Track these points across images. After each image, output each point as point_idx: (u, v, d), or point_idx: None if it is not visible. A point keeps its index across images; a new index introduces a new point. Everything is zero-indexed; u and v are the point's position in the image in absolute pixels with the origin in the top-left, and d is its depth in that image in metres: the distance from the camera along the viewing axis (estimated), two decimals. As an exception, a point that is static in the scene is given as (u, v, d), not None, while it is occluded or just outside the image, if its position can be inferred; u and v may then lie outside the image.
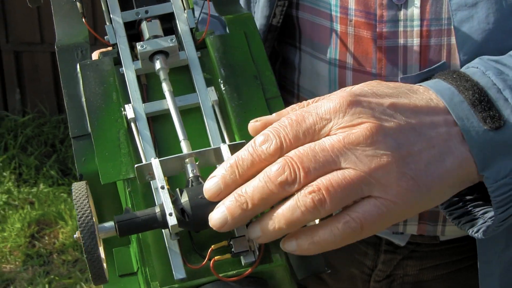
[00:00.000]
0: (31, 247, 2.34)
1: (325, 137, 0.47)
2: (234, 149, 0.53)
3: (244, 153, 0.48)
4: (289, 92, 0.76)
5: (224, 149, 0.53)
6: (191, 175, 0.53)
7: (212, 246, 0.52)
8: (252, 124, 0.52)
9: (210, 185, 0.49)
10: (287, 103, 0.57)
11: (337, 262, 0.82)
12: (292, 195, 0.46)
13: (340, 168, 0.46)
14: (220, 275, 0.51)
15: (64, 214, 2.42)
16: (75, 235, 0.50)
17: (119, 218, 0.51)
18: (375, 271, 0.79)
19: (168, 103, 0.58)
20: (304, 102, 0.51)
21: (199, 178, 0.52)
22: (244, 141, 0.53)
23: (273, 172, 0.46)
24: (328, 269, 0.57)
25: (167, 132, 0.58)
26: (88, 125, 0.57)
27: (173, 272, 0.52)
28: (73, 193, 0.50)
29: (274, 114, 0.52)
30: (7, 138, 2.75)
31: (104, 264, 0.51)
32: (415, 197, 0.47)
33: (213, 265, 0.51)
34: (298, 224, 0.46)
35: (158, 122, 0.59)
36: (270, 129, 0.48)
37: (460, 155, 0.49)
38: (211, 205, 0.50)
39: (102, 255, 0.52)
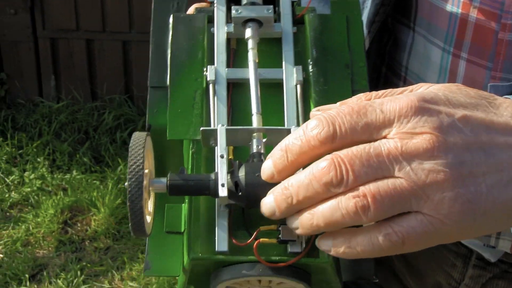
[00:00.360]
0: (63, 233, 2.37)
1: (382, 139, 0.43)
2: None
3: (294, 137, 0.45)
4: (396, 74, 0.73)
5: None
6: (254, 150, 0.51)
7: (261, 227, 0.50)
8: (313, 113, 0.49)
9: (265, 167, 0.47)
10: (393, 85, 0.54)
11: (424, 268, 0.78)
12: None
13: (392, 177, 0.42)
14: (262, 258, 0.50)
15: (96, 201, 2.43)
16: (125, 184, 0.49)
17: (172, 177, 0.50)
18: (461, 285, 0.75)
19: (250, 73, 0.56)
20: (373, 93, 0.48)
21: (262, 156, 0.51)
22: None
23: (319, 170, 0.43)
24: (376, 278, 0.56)
25: (245, 102, 0.57)
26: (168, 78, 0.57)
27: (216, 244, 0.51)
28: (131, 141, 0.50)
29: (338, 103, 0.49)
30: (42, 124, 2.77)
31: (149, 218, 0.51)
32: (468, 221, 0.43)
33: (256, 246, 0.50)
34: (337, 226, 0.44)
35: (238, 89, 0.58)
36: (326, 114, 0.44)
37: None
38: (267, 185, 0.48)
39: (150, 208, 0.51)
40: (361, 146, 0.43)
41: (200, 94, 0.56)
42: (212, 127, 0.53)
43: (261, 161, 0.50)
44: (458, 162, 0.43)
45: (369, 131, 0.43)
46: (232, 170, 0.50)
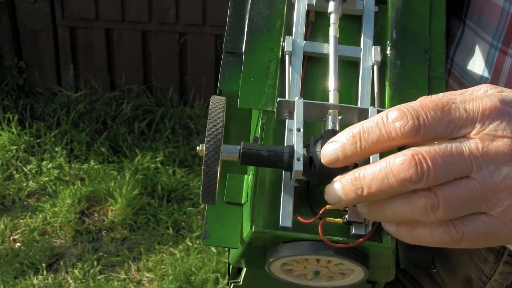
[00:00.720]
0: (80, 223, 2.36)
1: (461, 138, 0.42)
2: None
3: (371, 125, 0.43)
4: None
5: (372, 112, 0.50)
6: (330, 126, 0.50)
7: (327, 206, 0.49)
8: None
9: (327, 151, 0.45)
10: None
11: (457, 261, 0.78)
12: None
13: (467, 177, 0.42)
14: (326, 237, 0.49)
15: (114, 192, 2.42)
16: (197, 148, 0.48)
17: (246, 146, 0.49)
18: (491, 281, 0.75)
19: (330, 48, 0.55)
20: (448, 93, 0.46)
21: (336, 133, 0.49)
22: None
23: (397, 165, 0.42)
24: (434, 268, 0.54)
25: (318, 77, 0.56)
26: (244, 44, 0.56)
27: (280, 218, 0.50)
28: (210, 104, 0.49)
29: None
30: (60, 113, 2.77)
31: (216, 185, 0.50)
32: None
33: (321, 225, 0.49)
34: (404, 218, 0.44)
35: (312, 63, 0.57)
36: (407, 106, 0.43)
37: None
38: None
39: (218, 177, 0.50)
40: (443, 145, 0.42)
41: (275, 64, 0.55)
42: (287, 99, 0.52)
43: None
44: None
45: (451, 129, 0.43)
46: (307, 145, 0.49)
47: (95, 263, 2.20)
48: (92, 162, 2.58)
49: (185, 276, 2.16)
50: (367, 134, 0.43)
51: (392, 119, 0.43)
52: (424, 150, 0.42)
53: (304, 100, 0.50)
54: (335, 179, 0.46)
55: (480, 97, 0.44)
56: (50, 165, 2.57)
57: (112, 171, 2.54)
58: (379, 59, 0.56)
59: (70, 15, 2.78)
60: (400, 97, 0.54)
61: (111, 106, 2.80)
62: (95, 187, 2.46)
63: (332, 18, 0.56)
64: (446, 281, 0.79)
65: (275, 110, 0.52)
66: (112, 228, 2.35)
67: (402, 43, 0.56)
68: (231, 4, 0.58)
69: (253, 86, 0.54)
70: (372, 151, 0.44)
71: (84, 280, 2.14)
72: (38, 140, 2.68)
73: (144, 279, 2.17)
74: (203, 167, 0.47)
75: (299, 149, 0.48)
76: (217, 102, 0.49)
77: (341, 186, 0.44)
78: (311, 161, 0.48)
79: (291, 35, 0.56)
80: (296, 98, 0.51)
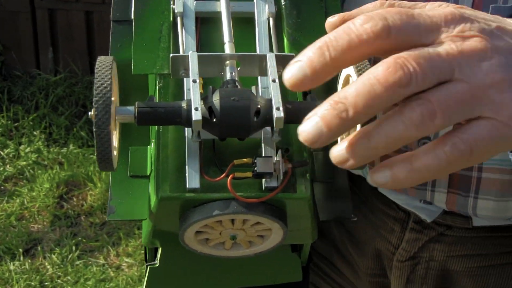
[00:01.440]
0: (59, 208, 2.32)
1: (434, 44, 0.40)
2: (281, 60, 0.48)
3: (338, 33, 0.39)
4: None
5: (270, 58, 0.48)
6: (228, 77, 0.47)
7: (235, 161, 0.47)
8: (330, 20, 0.45)
9: (291, 69, 0.39)
10: None
11: (363, 237, 0.77)
12: (394, 106, 0.39)
13: (452, 80, 0.39)
14: (237, 194, 0.46)
15: (93, 176, 2.39)
16: (89, 113, 0.45)
17: (141, 104, 0.46)
18: (399, 250, 0.74)
19: (221, 4, 0.53)
20: (403, 3, 0.44)
21: (236, 82, 0.47)
22: (293, 54, 0.47)
23: (381, 71, 0.38)
24: (354, 217, 0.52)
25: (214, 38, 0.54)
26: (132, 11, 0.54)
27: (186, 180, 0.47)
28: (97, 63, 0.45)
29: (354, 10, 0.45)
30: (39, 97, 2.72)
31: (115, 152, 0.46)
32: None
33: (230, 182, 0.46)
34: (398, 143, 0.39)
35: (206, 24, 0.55)
36: (371, 12, 0.40)
37: None
38: (243, 109, 0.44)
39: (115, 142, 0.47)
40: (419, 48, 0.39)
41: (167, 27, 0.53)
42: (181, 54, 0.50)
43: (236, 87, 0.47)
44: (509, 64, 0.41)
45: (419, 33, 0.40)
46: (205, 96, 0.46)
47: (74, 248, 2.16)
48: (71, 146, 2.53)
49: (165, 261, 2.14)
50: (335, 42, 0.39)
51: (359, 23, 0.39)
52: (405, 53, 0.39)
53: (198, 53, 0.48)
54: (308, 115, 0.39)
55: (437, 7, 0.43)
56: (28, 149, 2.52)
57: (91, 155, 2.50)
58: (273, 10, 0.54)
59: (48, -4, 2.73)
60: (298, 47, 0.52)
61: (90, 89, 2.75)
62: (74, 172, 2.42)
63: None
64: (356, 258, 0.79)
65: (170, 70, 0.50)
66: (91, 213, 2.31)
67: None
68: None
69: (146, 51, 0.52)
70: (344, 62, 0.39)
71: (62, 266, 2.11)
72: (16, 124, 2.63)
73: (124, 264, 2.14)
74: (94, 129, 0.44)
75: (196, 99, 0.45)
76: (103, 62, 0.46)
77: (320, 117, 0.38)
78: (210, 111, 0.45)
79: None
80: (190, 52, 0.48)
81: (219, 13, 0.54)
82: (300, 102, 0.49)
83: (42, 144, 2.55)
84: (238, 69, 0.49)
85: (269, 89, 0.47)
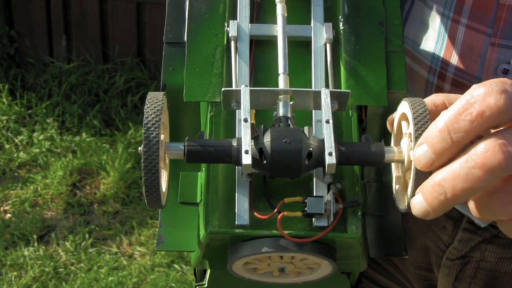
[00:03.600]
0: (72, 196, 2.34)
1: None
2: (336, 96, 0.47)
3: (456, 111, 0.40)
4: None
5: (324, 95, 0.47)
6: (281, 114, 0.47)
7: (285, 199, 0.47)
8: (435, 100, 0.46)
9: (419, 155, 0.42)
10: None
11: (413, 231, 0.77)
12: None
13: None
14: (285, 232, 0.46)
15: (106, 165, 2.40)
16: (139, 148, 0.44)
17: (190, 142, 0.46)
18: (450, 248, 0.75)
19: (278, 29, 0.51)
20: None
21: (289, 120, 0.46)
22: (349, 91, 0.47)
23: (480, 154, 0.39)
24: (406, 255, 0.52)
25: (269, 61, 0.53)
26: (185, 33, 0.52)
27: (236, 216, 0.47)
28: (146, 101, 0.45)
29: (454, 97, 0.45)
30: (52, 84, 2.73)
31: (164, 187, 0.46)
32: None
33: (280, 220, 0.46)
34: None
35: (261, 47, 0.53)
36: (485, 82, 0.40)
37: None
38: (294, 152, 0.44)
39: (165, 177, 0.47)
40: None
41: (220, 52, 0.51)
42: (233, 87, 0.49)
43: (288, 125, 0.46)
44: None
45: None
46: (256, 136, 0.46)
47: (87, 236, 2.18)
48: (84, 135, 2.55)
49: (178, 251, 2.15)
50: (456, 124, 0.40)
51: (481, 96, 0.39)
52: (502, 136, 0.39)
53: (251, 88, 0.47)
54: (416, 191, 0.42)
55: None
56: (41, 137, 2.53)
57: (104, 144, 2.51)
58: (331, 36, 0.52)
59: (63, -16, 2.73)
60: (356, 76, 0.51)
61: (103, 78, 2.76)
62: (87, 160, 2.43)
63: None
64: None
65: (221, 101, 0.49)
66: (104, 201, 2.33)
67: (355, 17, 0.53)
68: None
69: (198, 77, 0.51)
70: (466, 140, 0.40)
71: (75, 253, 2.13)
72: (29, 111, 2.65)
73: (136, 253, 2.16)
74: (143, 173, 0.44)
75: (246, 141, 0.44)
76: (153, 101, 0.45)
77: (422, 197, 0.41)
78: (261, 152, 0.45)
79: (236, 19, 0.53)
80: (242, 86, 0.47)
81: (275, 37, 0.52)
82: (354, 143, 0.47)
83: (55, 132, 2.56)
84: (291, 102, 0.48)
85: (322, 130, 0.47)
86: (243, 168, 0.45)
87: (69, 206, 2.30)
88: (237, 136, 0.48)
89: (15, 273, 2.05)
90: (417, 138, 0.43)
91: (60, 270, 2.08)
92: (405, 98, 0.47)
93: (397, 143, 0.49)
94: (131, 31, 2.79)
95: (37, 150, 2.48)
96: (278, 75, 0.50)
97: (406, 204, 0.45)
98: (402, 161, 0.47)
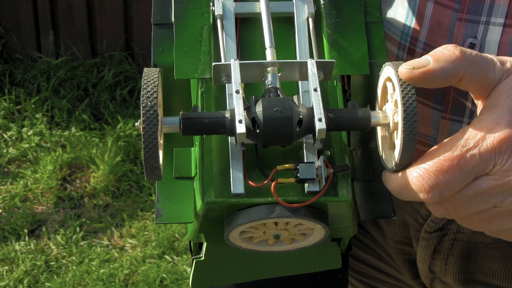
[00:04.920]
0: (62, 190, 2.34)
1: (484, 176, 0.46)
2: (321, 66, 0.49)
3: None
4: None
5: (311, 65, 0.49)
6: (270, 85, 0.49)
7: (277, 166, 0.49)
8: (409, 72, 0.48)
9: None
10: None
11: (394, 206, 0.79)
12: None
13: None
14: (280, 198, 0.48)
15: (96, 158, 2.41)
16: (136, 123, 0.46)
17: (186, 115, 0.47)
18: (427, 221, 0.76)
19: (261, 5, 0.53)
20: (460, 135, 0.48)
21: (278, 91, 0.48)
22: (333, 60, 0.49)
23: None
24: (394, 216, 0.54)
25: (254, 38, 0.55)
26: (172, 14, 0.54)
27: (231, 186, 0.48)
28: (143, 77, 0.47)
29: (432, 63, 0.48)
30: (40, 80, 2.73)
31: (160, 160, 0.48)
32: None
33: (274, 187, 0.48)
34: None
35: (245, 24, 0.55)
36: (424, 178, 0.47)
37: None
38: (286, 119, 0.46)
39: (160, 151, 0.48)
40: (463, 193, 0.47)
41: (207, 30, 0.53)
42: (222, 62, 0.50)
43: (279, 96, 0.48)
44: None
45: (473, 175, 0.47)
46: (248, 107, 0.47)
47: (78, 229, 2.19)
48: (73, 129, 2.55)
49: (169, 242, 2.16)
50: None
51: (423, 192, 0.47)
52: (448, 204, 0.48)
53: (240, 62, 0.49)
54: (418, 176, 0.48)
55: (494, 127, 0.46)
56: (30, 132, 2.54)
57: (94, 138, 2.51)
58: (313, 11, 0.54)
59: (49, -21, 2.72)
60: (338, 47, 0.53)
61: (92, 72, 2.77)
62: (76, 154, 2.43)
63: None
64: (384, 225, 0.81)
65: (212, 76, 0.50)
66: (94, 194, 2.33)
67: None
68: None
69: (187, 55, 0.53)
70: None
71: (66, 246, 2.14)
72: (18, 107, 2.65)
73: (127, 245, 2.16)
74: (143, 145, 0.45)
75: (239, 111, 0.46)
76: (150, 74, 0.47)
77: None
78: (254, 122, 0.47)
79: None
80: (232, 60, 0.49)
81: (259, 14, 0.54)
82: (341, 110, 0.50)
83: (45, 127, 2.56)
84: (279, 74, 0.50)
85: (310, 97, 0.49)
86: (237, 137, 0.46)
87: (59, 200, 2.30)
88: (229, 108, 0.50)
89: (6, 267, 2.06)
90: (403, 99, 0.46)
91: (51, 263, 2.09)
92: (388, 62, 0.49)
93: (383, 106, 0.51)
94: (118, 25, 2.79)
95: (27, 145, 2.48)
96: (264, 50, 0.52)
97: (394, 164, 0.48)
98: (387, 125, 0.49)
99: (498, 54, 0.59)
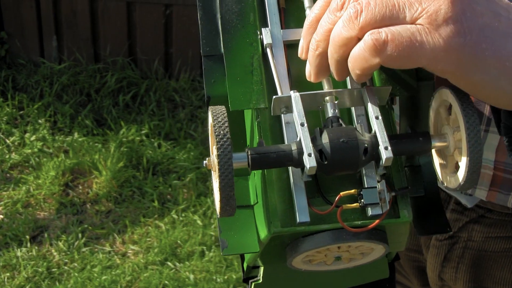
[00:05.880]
0: (64, 196, 2.34)
1: None
2: (378, 93, 0.50)
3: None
4: None
5: (369, 92, 0.50)
6: (331, 114, 0.50)
7: (341, 193, 0.50)
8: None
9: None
10: None
11: None
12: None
13: None
14: (345, 223, 0.49)
15: (98, 164, 2.40)
16: (204, 162, 0.48)
17: (253, 151, 0.48)
18: None
19: None
20: None
21: (339, 119, 0.50)
22: (390, 87, 0.51)
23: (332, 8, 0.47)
24: (450, 230, 0.55)
25: (302, 62, 0.55)
26: (221, 45, 0.54)
27: (296, 214, 0.49)
28: (212, 116, 0.48)
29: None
30: (43, 85, 2.72)
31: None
32: (458, 49, 0.44)
33: (340, 213, 0.49)
34: (334, 40, 0.48)
35: (291, 50, 0.56)
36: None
37: None
38: (352, 149, 0.47)
39: None
40: None
41: (258, 59, 0.54)
42: (280, 94, 0.51)
43: (341, 125, 0.49)
44: None
45: None
46: (313, 137, 0.49)
47: (80, 235, 2.18)
48: (76, 135, 2.55)
49: (171, 248, 2.15)
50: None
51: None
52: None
53: (301, 93, 0.50)
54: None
55: None
56: (33, 137, 2.53)
57: (96, 144, 2.51)
58: None
59: (53, -16, 2.72)
60: (387, 69, 0.54)
61: (95, 78, 2.76)
62: (79, 160, 2.43)
63: (306, 2, 0.55)
64: None
65: (268, 106, 0.51)
66: (96, 200, 2.33)
67: None
68: (199, 5, 0.56)
69: (240, 86, 0.53)
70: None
71: (68, 252, 2.13)
72: (21, 112, 2.64)
73: (129, 251, 2.16)
74: (218, 180, 0.46)
75: (307, 144, 0.47)
76: (219, 113, 0.48)
77: (308, 62, 0.51)
78: (321, 153, 0.48)
79: (267, 26, 0.55)
80: (292, 93, 0.50)
81: None
82: (402, 135, 0.51)
83: (47, 132, 2.56)
84: (336, 102, 0.51)
85: (372, 126, 0.50)
86: (308, 170, 0.48)
87: (61, 206, 2.30)
88: (286, 138, 0.51)
89: (8, 274, 2.05)
90: (467, 122, 0.47)
91: (53, 270, 2.08)
92: (443, 86, 0.51)
93: (436, 128, 0.53)
94: (122, 30, 2.78)
95: (29, 150, 2.48)
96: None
97: (458, 184, 0.49)
98: (447, 147, 0.51)
99: None
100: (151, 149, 2.48)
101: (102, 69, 2.79)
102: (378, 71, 0.54)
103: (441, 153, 0.53)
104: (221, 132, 0.47)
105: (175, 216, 2.25)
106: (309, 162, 0.47)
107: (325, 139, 0.48)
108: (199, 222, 2.23)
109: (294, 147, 0.48)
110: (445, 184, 0.52)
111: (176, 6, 2.72)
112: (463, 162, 0.49)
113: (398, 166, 0.52)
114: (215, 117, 0.47)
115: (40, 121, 2.60)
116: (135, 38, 2.81)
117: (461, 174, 0.49)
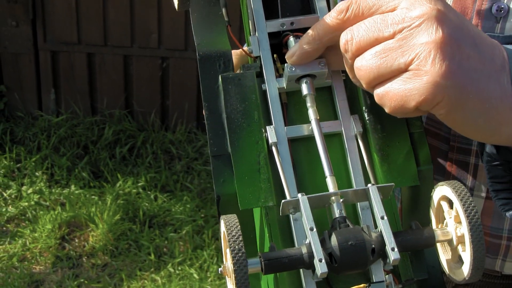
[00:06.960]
0: (61, 249, 2.33)
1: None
2: (382, 191, 0.52)
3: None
4: None
5: (374, 191, 0.52)
6: (337, 215, 0.52)
7: (362, 285, 0.52)
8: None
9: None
10: None
11: None
12: None
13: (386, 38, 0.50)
14: None
15: (95, 217, 2.40)
16: (219, 269, 0.49)
17: (266, 257, 0.50)
18: None
19: (314, 132, 0.56)
20: None
21: (346, 220, 0.51)
22: (392, 184, 0.52)
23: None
24: None
25: (306, 156, 0.57)
26: (228, 144, 0.56)
27: None
28: (225, 224, 0.49)
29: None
30: (41, 138, 2.75)
31: None
32: (444, 91, 0.47)
33: None
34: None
35: (296, 144, 0.58)
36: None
37: (505, 91, 0.49)
38: (360, 251, 0.49)
39: None
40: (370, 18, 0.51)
41: (264, 158, 0.56)
42: (288, 196, 0.54)
43: (348, 226, 0.51)
44: (452, 31, 0.48)
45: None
46: (322, 240, 0.51)
47: (76, 289, 2.17)
48: (72, 187, 2.55)
49: (167, 302, 2.14)
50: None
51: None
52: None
53: (308, 196, 0.52)
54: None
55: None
56: (30, 190, 2.54)
57: (93, 196, 2.52)
58: (360, 129, 0.57)
59: (52, 38, 2.77)
60: (388, 161, 0.56)
61: (92, 130, 2.79)
62: (75, 212, 2.43)
63: (309, 101, 0.56)
64: None
65: (276, 203, 0.53)
66: (93, 254, 2.32)
67: (377, 107, 0.56)
68: (205, 105, 0.57)
69: (249, 184, 0.55)
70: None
71: (64, 307, 2.11)
72: (18, 165, 2.66)
73: (125, 306, 2.14)
74: (234, 284, 0.48)
75: (318, 249, 0.49)
76: (230, 220, 0.50)
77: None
78: (330, 256, 0.50)
79: (271, 123, 0.57)
80: (299, 196, 0.52)
81: (309, 135, 0.57)
82: (407, 232, 0.53)
83: (44, 185, 2.57)
84: (342, 200, 0.53)
85: (378, 225, 0.52)
86: (320, 275, 0.50)
87: (57, 260, 2.29)
88: (295, 236, 0.53)
89: (2, 330, 2.03)
90: (468, 217, 0.49)
91: (48, 325, 2.06)
92: (442, 182, 0.52)
93: (437, 221, 0.55)
94: (118, 83, 2.82)
95: (26, 203, 2.49)
96: (316, 168, 0.56)
97: (465, 276, 0.51)
98: (450, 240, 0.52)
99: None
100: (147, 202, 2.49)
101: (99, 121, 2.82)
102: (379, 163, 0.56)
103: (444, 245, 0.54)
104: (236, 247, 0.48)
105: (171, 269, 2.25)
106: (321, 268, 0.49)
107: (334, 242, 0.50)
108: (195, 275, 2.22)
109: (304, 250, 0.50)
110: (451, 277, 0.53)
111: (172, 59, 2.76)
112: (467, 260, 0.50)
113: (403, 256, 0.54)
114: (229, 231, 0.49)
115: (37, 173, 2.61)
116: (132, 91, 2.84)
117: (466, 270, 0.51)
